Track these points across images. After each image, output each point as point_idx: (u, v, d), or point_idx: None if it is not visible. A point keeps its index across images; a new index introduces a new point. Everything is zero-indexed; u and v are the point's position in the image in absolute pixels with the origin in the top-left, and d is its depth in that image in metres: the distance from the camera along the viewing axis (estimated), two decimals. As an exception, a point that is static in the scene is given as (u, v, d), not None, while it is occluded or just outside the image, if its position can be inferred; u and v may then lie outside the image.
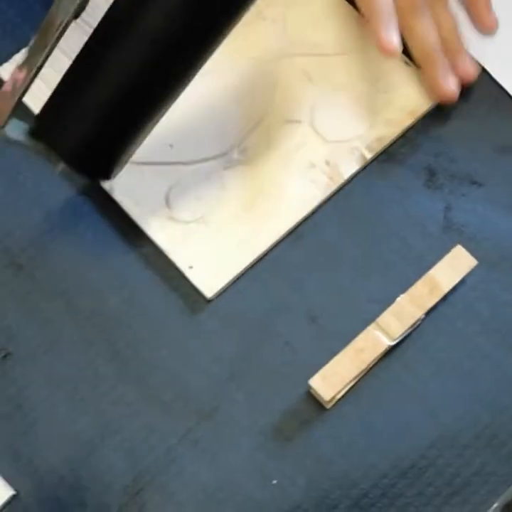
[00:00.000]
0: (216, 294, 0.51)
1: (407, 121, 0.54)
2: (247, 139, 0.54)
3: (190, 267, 0.51)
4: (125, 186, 0.52)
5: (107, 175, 0.48)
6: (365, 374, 0.49)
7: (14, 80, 0.42)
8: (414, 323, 0.49)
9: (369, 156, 0.53)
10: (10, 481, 0.47)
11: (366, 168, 0.54)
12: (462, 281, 0.50)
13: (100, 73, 0.44)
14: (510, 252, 0.52)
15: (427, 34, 0.53)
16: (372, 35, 0.52)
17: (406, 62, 0.56)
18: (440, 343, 0.50)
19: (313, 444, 0.49)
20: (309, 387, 0.48)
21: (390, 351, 0.49)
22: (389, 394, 0.49)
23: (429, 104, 0.55)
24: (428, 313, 0.50)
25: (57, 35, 0.42)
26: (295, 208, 0.53)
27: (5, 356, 0.51)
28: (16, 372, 0.50)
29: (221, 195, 0.53)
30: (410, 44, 0.54)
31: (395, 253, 0.52)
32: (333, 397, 0.48)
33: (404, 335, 0.49)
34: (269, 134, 0.54)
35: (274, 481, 0.48)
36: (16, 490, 0.47)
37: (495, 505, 0.47)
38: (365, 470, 0.48)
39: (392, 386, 0.50)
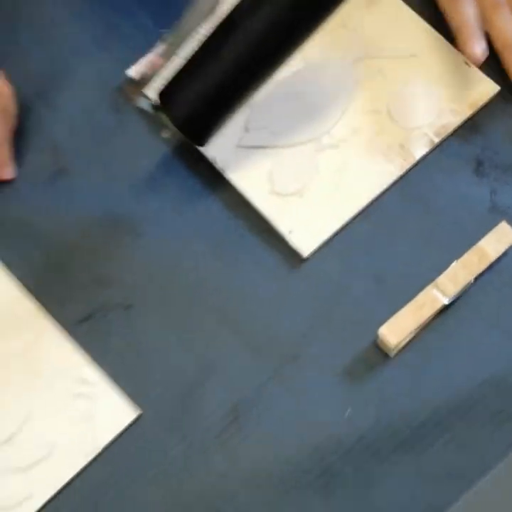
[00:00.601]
0: (311, 253, 0.61)
1: (468, 112, 0.65)
2: (334, 126, 0.65)
3: (290, 232, 0.61)
4: (235, 166, 0.63)
5: (203, 141, 0.59)
6: (424, 328, 0.59)
7: (153, 64, 0.53)
8: (466, 286, 0.59)
9: (436, 140, 0.64)
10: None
11: (430, 154, 0.64)
12: (505, 253, 0.60)
13: (212, 63, 0.56)
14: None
15: (506, 26, 0.64)
16: (461, 45, 0.63)
17: (466, 63, 0.66)
18: (488, 304, 0.60)
19: (380, 386, 0.58)
20: (377, 336, 0.58)
21: (445, 309, 0.59)
22: (444, 345, 0.59)
23: (486, 99, 0.65)
24: (477, 278, 0.60)
25: (191, 35, 0.53)
26: (374, 184, 0.63)
27: (127, 308, 0.61)
28: (136, 320, 0.61)
29: (314, 173, 0.64)
30: (492, 35, 0.64)
31: (449, 228, 0.62)
32: (397, 345, 0.58)
33: (457, 295, 0.59)
34: (353, 122, 0.65)
35: (348, 411, 0.58)
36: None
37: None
38: (423, 408, 0.58)
39: (447, 339, 0.59)
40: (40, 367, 0.60)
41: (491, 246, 0.59)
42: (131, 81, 0.56)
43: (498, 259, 0.60)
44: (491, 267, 0.60)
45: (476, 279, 0.59)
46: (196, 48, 0.56)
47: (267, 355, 0.59)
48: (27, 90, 0.66)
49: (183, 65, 0.56)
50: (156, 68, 0.55)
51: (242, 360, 0.59)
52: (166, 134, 0.61)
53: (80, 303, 0.61)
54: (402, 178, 0.64)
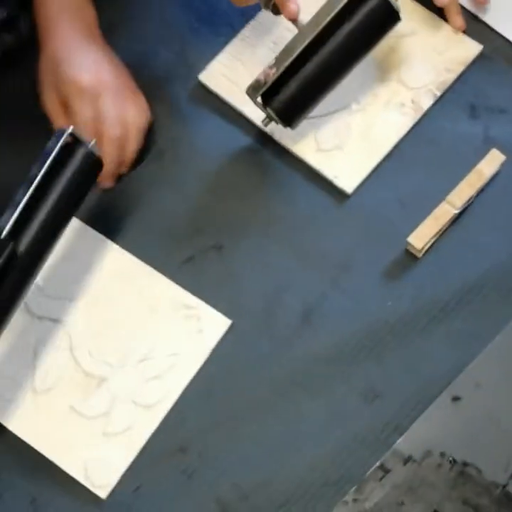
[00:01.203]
0: (353, 191, 0.80)
1: (460, 68, 0.83)
2: (359, 94, 0.84)
3: (336, 177, 0.81)
4: (286, 133, 0.83)
5: (295, 126, 0.80)
6: (442, 234, 0.78)
7: (266, 74, 0.74)
8: (470, 200, 0.77)
9: (438, 93, 0.82)
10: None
11: (433, 107, 0.82)
12: (498, 173, 0.79)
13: (305, 70, 0.77)
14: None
15: None
16: (450, 19, 0.83)
17: (454, 31, 0.84)
18: (488, 211, 0.78)
19: (412, 280, 0.77)
20: (407, 244, 0.77)
21: (456, 219, 0.78)
22: (458, 245, 0.78)
23: (472, 57, 0.83)
24: (478, 194, 0.78)
25: (297, 53, 0.75)
26: (395, 133, 0.82)
27: (220, 248, 0.81)
28: (226, 259, 0.80)
29: (347, 131, 0.83)
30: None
31: (453, 158, 0.80)
32: (423, 248, 0.77)
33: (464, 207, 0.77)
34: (374, 89, 0.84)
35: (389, 303, 0.77)
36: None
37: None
38: (446, 292, 0.76)
39: (460, 240, 0.78)
40: (156, 302, 0.80)
41: (486, 168, 0.77)
42: (251, 86, 0.77)
43: (493, 178, 0.78)
44: (487, 184, 0.78)
45: (477, 194, 0.78)
46: (291, 62, 0.76)
47: (325, 269, 0.79)
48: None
49: (281, 73, 0.76)
50: (268, 77, 0.76)
51: (307, 275, 0.79)
52: (265, 122, 0.80)
53: (181, 249, 0.81)
54: (415, 126, 0.82)
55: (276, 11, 0.77)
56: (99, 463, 0.75)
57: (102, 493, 0.74)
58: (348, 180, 0.81)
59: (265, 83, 0.75)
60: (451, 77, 0.83)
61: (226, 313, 0.78)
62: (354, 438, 0.73)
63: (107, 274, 0.80)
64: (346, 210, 0.81)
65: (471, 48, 0.84)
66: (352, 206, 0.81)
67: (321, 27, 0.75)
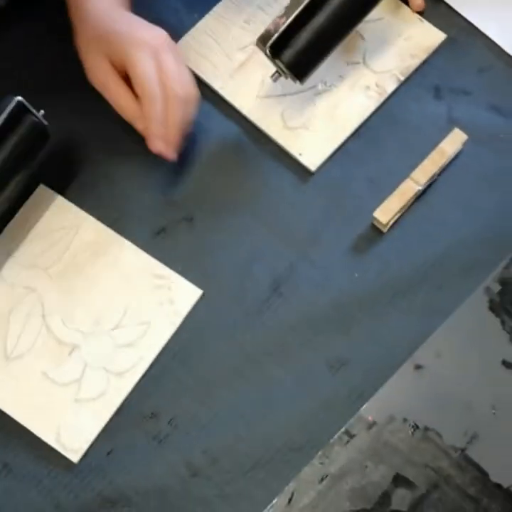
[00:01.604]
0: (317, 168, 0.83)
1: (424, 55, 0.86)
2: (326, 75, 0.86)
3: (300, 154, 0.83)
4: (256, 111, 0.85)
5: (304, 79, 0.80)
6: (406, 210, 0.81)
7: (275, 24, 0.75)
8: (433, 176, 0.81)
9: (402, 78, 0.85)
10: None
11: (399, 88, 0.85)
12: (460, 151, 0.82)
13: (315, 21, 0.78)
14: (486, 131, 0.83)
15: None
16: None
17: (420, 19, 0.87)
18: (451, 188, 0.81)
19: (377, 254, 0.80)
20: (373, 218, 0.80)
21: (420, 195, 0.81)
22: (421, 221, 0.81)
23: (436, 44, 0.86)
24: (441, 171, 0.82)
25: (307, 1, 0.76)
26: (359, 114, 0.84)
27: (191, 220, 0.83)
28: (197, 230, 0.82)
29: (313, 111, 0.85)
30: None
31: (418, 137, 0.83)
32: (388, 223, 0.80)
33: (428, 183, 0.80)
34: (340, 71, 0.86)
35: (356, 275, 0.80)
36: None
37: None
38: (409, 266, 0.79)
39: (423, 216, 0.81)
40: (128, 272, 0.81)
41: (448, 146, 0.81)
42: (261, 36, 0.77)
43: (455, 157, 0.82)
44: (450, 162, 0.82)
45: (440, 171, 0.81)
46: (299, 13, 0.77)
47: (294, 242, 0.81)
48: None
49: (289, 24, 0.77)
50: (278, 26, 0.76)
51: (276, 247, 0.81)
52: (274, 77, 0.81)
53: (153, 220, 0.83)
54: (380, 107, 0.85)
55: None
56: (71, 428, 0.77)
57: (74, 457, 0.76)
58: (312, 158, 0.83)
59: (275, 32, 0.76)
60: (415, 62, 0.86)
61: (197, 283, 0.80)
62: (320, 404, 0.76)
63: (80, 243, 0.82)
64: (312, 186, 0.83)
65: (436, 36, 0.87)
66: (318, 182, 0.83)
67: None
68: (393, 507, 0.72)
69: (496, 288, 0.77)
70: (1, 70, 0.87)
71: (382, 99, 0.85)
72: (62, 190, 0.83)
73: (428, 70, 0.86)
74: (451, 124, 0.83)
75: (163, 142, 0.76)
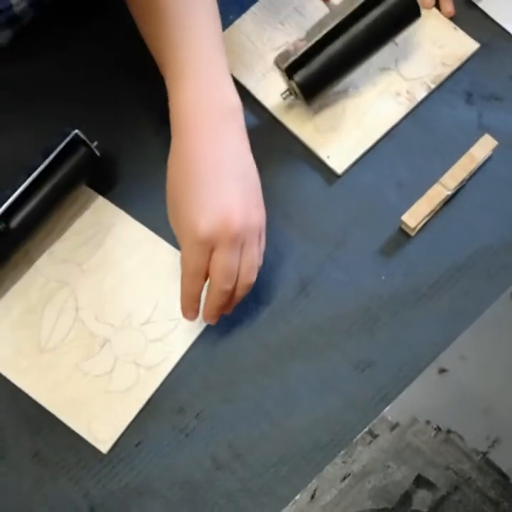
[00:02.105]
0: (344, 171, 0.84)
1: (456, 63, 0.87)
2: (358, 80, 0.87)
3: (328, 157, 0.85)
4: (287, 114, 0.87)
5: (313, 102, 0.83)
6: (435, 214, 0.82)
7: (295, 46, 0.78)
8: (462, 182, 0.81)
9: (432, 86, 0.86)
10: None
11: (431, 94, 0.86)
12: (490, 158, 0.83)
13: (331, 48, 0.80)
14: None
15: None
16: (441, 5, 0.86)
17: (454, 28, 0.88)
18: (480, 193, 0.82)
19: (405, 257, 0.81)
20: (401, 222, 0.81)
21: (449, 200, 0.82)
22: (450, 225, 0.82)
23: (468, 53, 0.87)
24: (471, 177, 0.82)
25: (329, 29, 0.79)
26: (388, 119, 0.86)
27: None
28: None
29: (343, 114, 0.86)
30: None
31: (448, 142, 0.84)
32: (416, 227, 0.81)
33: (457, 188, 0.81)
34: (371, 76, 0.87)
35: (383, 277, 0.81)
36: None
37: None
38: (437, 270, 0.81)
39: (452, 220, 0.82)
40: (159, 268, 0.83)
41: (478, 152, 0.81)
42: (280, 55, 0.80)
43: (485, 162, 0.83)
44: (479, 168, 0.82)
45: (469, 177, 0.82)
46: (318, 39, 0.79)
47: (321, 243, 0.82)
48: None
49: (307, 48, 0.79)
50: (298, 48, 0.79)
51: (304, 248, 0.82)
52: (284, 95, 0.84)
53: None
54: (411, 112, 0.86)
55: None
56: (101, 419, 0.79)
57: (104, 448, 0.78)
58: (339, 161, 0.84)
59: (294, 54, 0.78)
60: (446, 71, 0.87)
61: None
62: (344, 404, 0.77)
63: (113, 240, 0.84)
64: (340, 189, 0.84)
65: (469, 45, 0.88)
66: (346, 185, 0.84)
67: (353, 8, 0.79)
68: (414, 507, 0.73)
69: (522, 293, 0.78)
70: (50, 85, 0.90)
71: (411, 105, 0.86)
72: (97, 189, 0.85)
73: (460, 76, 0.87)
74: (481, 130, 0.84)
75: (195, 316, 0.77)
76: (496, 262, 0.80)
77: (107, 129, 0.85)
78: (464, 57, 0.87)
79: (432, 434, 0.75)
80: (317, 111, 0.86)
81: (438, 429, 0.75)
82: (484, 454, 0.74)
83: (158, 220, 0.82)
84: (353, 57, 0.81)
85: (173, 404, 0.79)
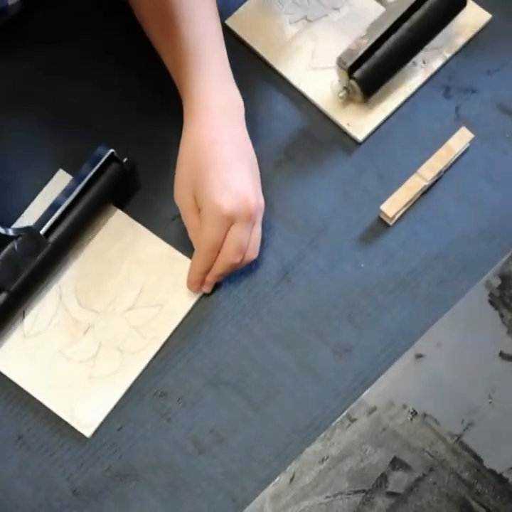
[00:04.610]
0: (365, 138, 0.86)
1: (470, 34, 0.89)
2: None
3: (348, 125, 0.86)
4: (306, 82, 0.89)
5: (370, 97, 0.85)
6: (413, 204, 0.84)
7: (358, 44, 0.80)
8: (439, 173, 0.83)
9: (448, 55, 0.88)
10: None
11: (447, 63, 0.88)
12: (466, 150, 0.85)
13: (386, 46, 0.82)
14: (494, 127, 0.86)
15: None
16: None
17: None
18: (456, 184, 0.84)
19: (383, 246, 0.83)
20: (380, 211, 0.83)
21: (426, 191, 0.84)
22: (426, 215, 0.84)
23: (482, 24, 0.89)
24: (448, 169, 0.84)
25: (389, 25, 0.81)
26: (406, 88, 0.88)
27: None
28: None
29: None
30: None
31: (427, 135, 0.85)
32: (394, 216, 0.83)
33: (434, 179, 0.83)
34: None
35: (362, 265, 0.83)
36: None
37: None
38: (414, 258, 0.82)
39: (429, 210, 0.84)
40: (143, 256, 0.84)
41: (455, 144, 0.83)
42: (344, 54, 0.82)
43: (462, 154, 0.85)
44: (456, 159, 0.84)
45: (447, 168, 0.84)
46: (376, 38, 0.82)
47: (303, 230, 0.84)
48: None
49: (369, 46, 0.82)
50: (360, 46, 0.81)
51: (286, 235, 0.84)
52: (342, 94, 0.86)
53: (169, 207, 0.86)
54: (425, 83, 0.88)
55: None
56: (85, 404, 0.80)
57: (87, 432, 0.79)
58: (359, 128, 0.86)
59: (357, 52, 0.81)
60: (461, 41, 0.88)
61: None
62: (324, 389, 0.79)
63: (97, 228, 0.85)
64: (326, 177, 0.86)
65: (482, 16, 0.90)
66: (331, 174, 0.87)
67: (408, 5, 0.81)
68: (390, 489, 0.75)
69: (496, 282, 0.80)
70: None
71: (428, 74, 0.88)
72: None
73: (438, 71, 0.89)
74: (459, 123, 0.86)
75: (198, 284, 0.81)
76: (472, 250, 0.82)
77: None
78: (478, 28, 0.89)
79: (408, 418, 0.77)
80: (335, 79, 0.87)
81: (414, 412, 0.77)
82: (459, 436, 0.76)
83: (137, 206, 0.85)
84: (406, 52, 0.84)
85: (156, 388, 0.80)
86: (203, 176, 0.76)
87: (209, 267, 0.79)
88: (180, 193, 0.78)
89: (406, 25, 0.82)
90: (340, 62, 0.82)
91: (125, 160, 0.83)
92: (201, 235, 0.77)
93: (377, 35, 0.81)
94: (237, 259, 0.77)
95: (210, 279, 0.80)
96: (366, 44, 0.81)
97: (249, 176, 0.78)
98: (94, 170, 0.81)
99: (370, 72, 0.83)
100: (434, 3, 0.82)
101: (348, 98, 0.86)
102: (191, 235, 0.79)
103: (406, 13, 0.82)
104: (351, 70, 0.82)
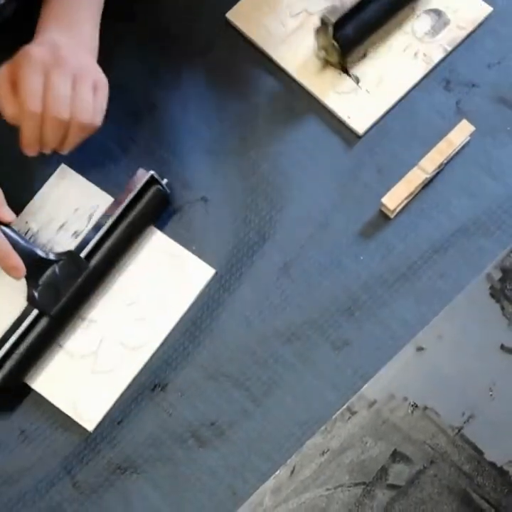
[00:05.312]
0: (365, 131, 0.86)
1: (471, 27, 0.89)
2: (377, 43, 0.89)
3: (348, 117, 0.86)
4: (309, 76, 0.89)
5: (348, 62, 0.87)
6: (414, 197, 0.84)
7: (343, 2, 0.81)
8: (440, 166, 0.83)
9: (449, 48, 0.88)
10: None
11: (447, 56, 0.88)
12: (467, 143, 0.85)
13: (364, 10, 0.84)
14: (494, 120, 0.86)
15: None
16: None
17: None
18: (457, 176, 0.84)
19: (383, 239, 0.83)
20: (381, 204, 0.83)
21: (427, 184, 0.84)
22: (427, 207, 0.83)
23: (482, 17, 0.89)
24: (448, 161, 0.84)
25: None
26: (406, 80, 0.88)
27: (206, 201, 0.86)
28: (211, 211, 0.86)
29: (363, 77, 0.88)
30: None
31: (427, 128, 0.86)
32: (395, 209, 0.82)
33: (435, 172, 0.83)
34: (390, 40, 0.89)
35: (361, 258, 0.83)
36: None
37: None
38: (415, 251, 0.82)
39: (430, 203, 0.84)
40: (145, 251, 0.85)
41: (455, 137, 0.83)
42: (328, 11, 0.82)
43: (462, 147, 0.84)
44: (457, 152, 0.84)
45: (447, 161, 0.84)
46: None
47: (303, 224, 0.84)
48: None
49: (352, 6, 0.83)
50: (344, 3, 0.82)
51: (287, 229, 0.84)
52: (321, 54, 0.87)
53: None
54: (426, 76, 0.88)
55: None
56: (87, 398, 0.80)
57: (89, 426, 0.80)
58: (360, 122, 0.87)
59: (342, 10, 0.82)
60: (462, 34, 0.89)
61: (211, 262, 0.83)
62: (324, 382, 0.79)
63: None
64: (325, 170, 0.87)
65: (483, 9, 0.90)
66: (329, 167, 0.87)
67: None
68: (390, 481, 0.75)
69: (497, 275, 0.80)
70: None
71: (429, 67, 0.88)
72: (85, 173, 0.87)
73: (440, 63, 0.89)
74: (459, 116, 0.86)
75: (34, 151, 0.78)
76: (472, 244, 0.82)
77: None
78: (478, 21, 0.89)
79: (409, 411, 0.77)
80: (335, 74, 0.89)
81: (415, 405, 0.77)
82: (459, 429, 0.76)
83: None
84: (381, 18, 0.86)
85: (156, 382, 0.80)
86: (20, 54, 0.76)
87: (38, 132, 0.76)
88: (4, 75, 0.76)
89: None
90: (323, 18, 0.82)
91: (165, 181, 0.83)
92: (20, 93, 0.74)
93: None
94: (62, 113, 0.74)
95: (45, 145, 0.77)
96: (352, 2, 0.82)
97: (65, 38, 0.77)
98: (134, 192, 0.81)
99: (350, 34, 0.84)
100: None
101: (325, 59, 0.87)
102: (6, 108, 0.76)
103: None
104: (335, 28, 0.83)
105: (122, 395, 0.80)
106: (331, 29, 0.83)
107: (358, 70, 0.88)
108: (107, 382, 0.81)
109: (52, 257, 0.79)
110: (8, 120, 0.76)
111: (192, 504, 0.76)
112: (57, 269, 0.78)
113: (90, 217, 0.85)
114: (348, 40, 0.85)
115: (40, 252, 0.78)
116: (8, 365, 0.78)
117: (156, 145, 0.88)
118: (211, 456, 0.78)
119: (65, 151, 0.79)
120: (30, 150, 0.77)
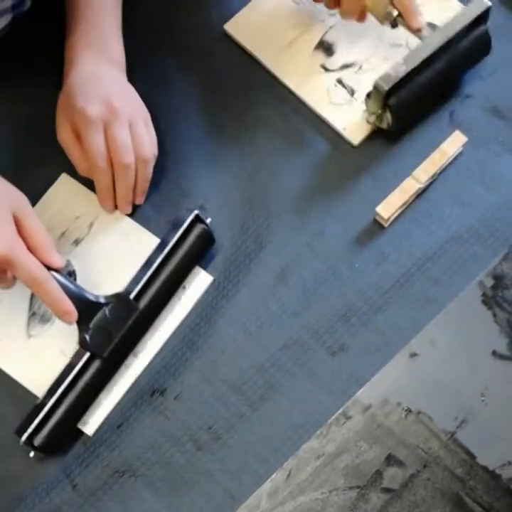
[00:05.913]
0: (359, 142, 0.87)
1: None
2: (371, 56, 0.90)
3: (344, 129, 0.88)
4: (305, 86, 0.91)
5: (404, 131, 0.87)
6: (408, 206, 0.85)
7: (396, 70, 0.81)
8: (433, 176, 0.85)
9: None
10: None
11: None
12: (461, 153, 0.86)
13: (421, 77, 0.84)
14: (487, 131, 0.88)
15: None
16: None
17: (461, 7, 0.90)
18: (450, 186, 0.86)
19: (378, 247, 0.84)
20: (375, 213, 0.84)
21: (420, 194, 0.85)
22: (421, 216, 0.85)
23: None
24: (442, 171, 0.86)
25: (425, 56, 0.82)
26: None
27: (204, 210, 0.88)
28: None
29: (357, 90, 0.90)
30: None
31: (420, 139, 0.88)
32: (389, 218, 0.84)
33: (429, 182, 0.85)
34: (383, 52, 0.91)
35: (356, 265, 0.85)
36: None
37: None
38: (408, 259, 0.84)
39: (423, 212, 0.85)
40: (144, 257, 0.86)
41: (449, 147, 0.85)
42: (381, 78, 0.82)
43: (455, 157, 0.86)
44: (450, 162, 0.86)
45: (441, 171, 0.86)
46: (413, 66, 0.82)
47: (299, 232, 0.86)
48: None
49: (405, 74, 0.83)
50: (397, 71, 0.82)
51: (284, 237, 0.86)
52: (371, 119, 0.86)
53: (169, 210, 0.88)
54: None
55: (395, 24, 0.84)
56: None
57: (89, 430, 0.81)
58: (353, 132, 0.88)
59: (396, 77, 0.82)
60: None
61: (208, 270, 0.85)
62: (319, 387, 0.80)
63: (100, 229, 0.87)
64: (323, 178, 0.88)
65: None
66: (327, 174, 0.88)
67: (447, 39, 0.82)
68: (385, 485, 0.76)
69: (489, 282, 0.82)
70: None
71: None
72: (86, 183, 0.88)
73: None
74: (452, 127, 0.87)
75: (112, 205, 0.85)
76: (465, 252, 0.84)
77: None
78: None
79: (403, 416, 0.78)
80: (331, 84, 0.90)
81: (408, 410, 0.78)
82: (452, 434, 0.77)
83: (140, 209, 0.87)
84: (438, 85, 0.86)
85: (155, 387, 0.82)
86: (71, 102, 0.81)
87: (109, 181, 0.82)
88: (60, 130, 0.83)
89: (439, 61, 0.84)
90: (377, 85, 0.82)
91: (209, 220, 0.84)
92: (85, 150, 0.81)
93: (417, 62, 0.82)
94: (128, 158, 0.80)
95: (122, 193, 0.83)
96: (406, 70, 0.82)
97: (112, 83, 0.83)
98: (179, 233, 0.82)
99: (404, 101, 0.84)
100: (466, 46, 0.84)
101: (375, 123, 0.87)
102: (78, 165, 0.83)
103: (440, 50, 0.83)
104: (388, 95, 0.83)
105: (121, 399, 0.81)
106: (383, 96, 0.82)
107: (353, 81, 0.90)
108: (107, 387, 0.82)
109: (102, 300, 0.80)
110: (83, 175, 0.84)
111: (189, 507, 0.77)
112: (107, 312, 0.79)
113: (91, 225, 0.86)
114: (401, 107, 0.84)
115: (90, 296, 0.79)
116: (60, 411, 0.79)
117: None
118: (209, 460, 0.79)
119: (141, 196, 0.85)
120: (106, 203, 0.85)
